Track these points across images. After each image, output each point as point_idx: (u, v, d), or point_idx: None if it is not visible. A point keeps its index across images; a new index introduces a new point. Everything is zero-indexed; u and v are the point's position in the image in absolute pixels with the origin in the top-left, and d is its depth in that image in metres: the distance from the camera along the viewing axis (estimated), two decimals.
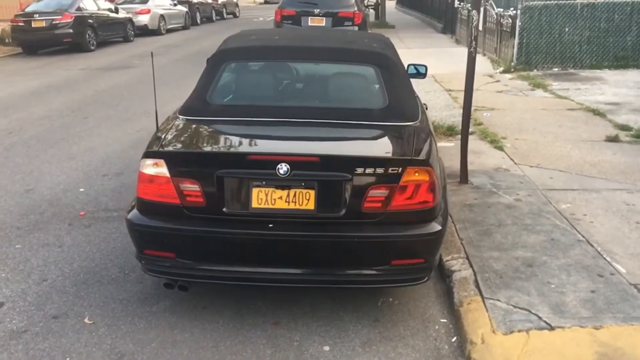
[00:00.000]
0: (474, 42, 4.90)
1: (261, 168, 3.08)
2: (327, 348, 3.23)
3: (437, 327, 3.43)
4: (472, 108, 8.28)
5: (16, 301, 3.65)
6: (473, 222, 4.51)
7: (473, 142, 6.62)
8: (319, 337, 3.33)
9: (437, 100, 9.01)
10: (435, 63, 11.08)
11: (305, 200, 3.09)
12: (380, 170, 3.07)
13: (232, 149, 3.31)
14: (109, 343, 3.24)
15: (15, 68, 14.20)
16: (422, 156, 3.18)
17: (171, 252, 3.21)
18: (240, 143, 3.45)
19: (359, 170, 3.06)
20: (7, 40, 17.35)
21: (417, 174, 3.12)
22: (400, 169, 3.09)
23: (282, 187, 3.09)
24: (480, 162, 5.95)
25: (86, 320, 3.46)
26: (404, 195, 3.12)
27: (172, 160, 3.15)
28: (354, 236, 3.10)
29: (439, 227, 3.23)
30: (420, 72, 5.45)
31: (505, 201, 4.91)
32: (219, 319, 3.47)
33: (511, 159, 6.04)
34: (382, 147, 3.42)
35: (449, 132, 7.01)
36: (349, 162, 3.09)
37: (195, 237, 3.15)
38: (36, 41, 15.99)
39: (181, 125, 3.59)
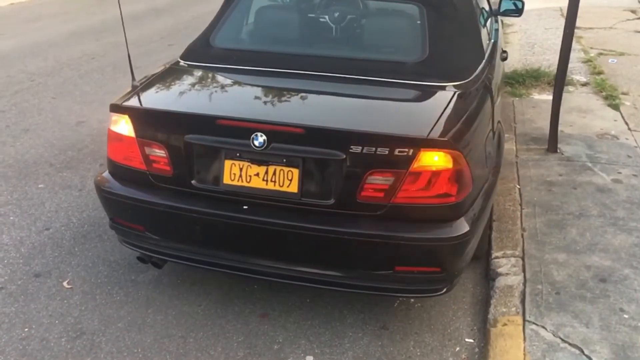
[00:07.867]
0: None
1: (233, 136, 2.44)
2: (309, 359, 2.65)
3: (457, 348, 2.70)
4: (597, 52, 6.98)
5: (9, 251, 3.43)
6: (547, 207, 3.57)
7: (582, 97, 5.43)
8: (307, 341, 2.75)
9: (556, 40, 7.48)
10: None
11: (286, 180, 2.43)
12: (383, 151, 2.30)
13: (202, 110, 2.67)
14: (75, 316, 2.91)
15: None
16: (447, 135, 2.34)
17: (140, 225, 2.75)
18: (216, 102, 2.78)
19: (356, 148, 2.32)
20: None
21: (436, 159, 2.32)
22: (412, 150, 2.30)
23: (259, 163, 2.45)
24: (582, 123, 4.80)
25: (65, 283, 3.15)
26: (416, 185, 2.35)
27: (137, 117, 2.62)
28: (343, 232, 2.40)
29: (465, 229, 2.42)
30: (517, 8, 4.41)
31: (599, 181, 3.86)
32: (202, 302, 3.00)
33: (625, 123, 4.81)
34: (394, 119, 2.57)
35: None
36: (343, 138, 2.35)
37: (160, 212, 2.64)
38: None
39: (171, 73, 3.03)
